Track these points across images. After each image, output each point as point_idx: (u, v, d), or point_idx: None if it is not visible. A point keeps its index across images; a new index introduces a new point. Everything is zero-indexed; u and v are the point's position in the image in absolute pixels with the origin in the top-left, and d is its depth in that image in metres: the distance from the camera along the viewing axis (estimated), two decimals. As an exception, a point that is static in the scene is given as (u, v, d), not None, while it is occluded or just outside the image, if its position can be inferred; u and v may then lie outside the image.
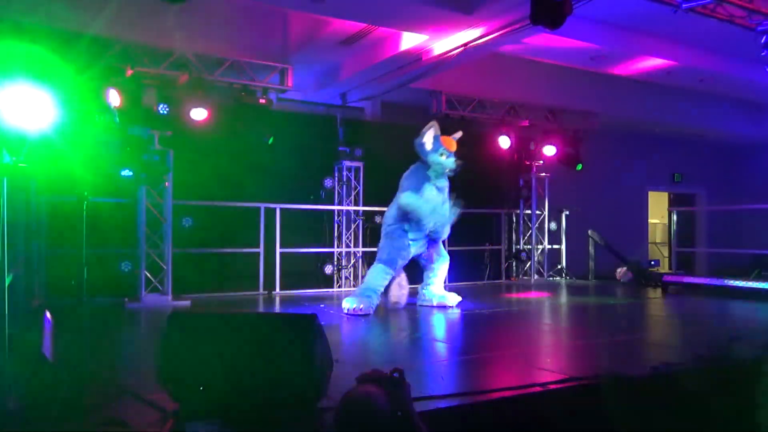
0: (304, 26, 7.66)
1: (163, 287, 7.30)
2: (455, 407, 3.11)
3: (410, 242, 6.70)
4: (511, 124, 9.78)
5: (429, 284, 7.02)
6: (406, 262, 6.80)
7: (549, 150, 9.99)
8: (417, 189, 6.60)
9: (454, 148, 6.69)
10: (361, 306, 6.26)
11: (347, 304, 6.31)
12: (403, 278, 6.96)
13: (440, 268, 7.02)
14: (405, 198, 6.59)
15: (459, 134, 6.95)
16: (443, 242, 7.33)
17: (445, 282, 7.39)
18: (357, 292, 6.58)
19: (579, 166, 10.13)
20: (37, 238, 6.86)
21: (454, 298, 6.93)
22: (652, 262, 12.36)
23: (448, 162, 6.62)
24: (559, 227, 10.87)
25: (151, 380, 2.99)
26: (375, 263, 6.79)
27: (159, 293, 7.26)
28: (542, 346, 5.12)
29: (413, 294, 7.21)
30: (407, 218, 6.64)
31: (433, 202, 6.66)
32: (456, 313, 6.68)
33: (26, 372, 3.17)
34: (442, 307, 6.85)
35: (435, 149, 6.60)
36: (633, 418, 3.58)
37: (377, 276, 6.57)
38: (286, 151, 8.64)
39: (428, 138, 6.60)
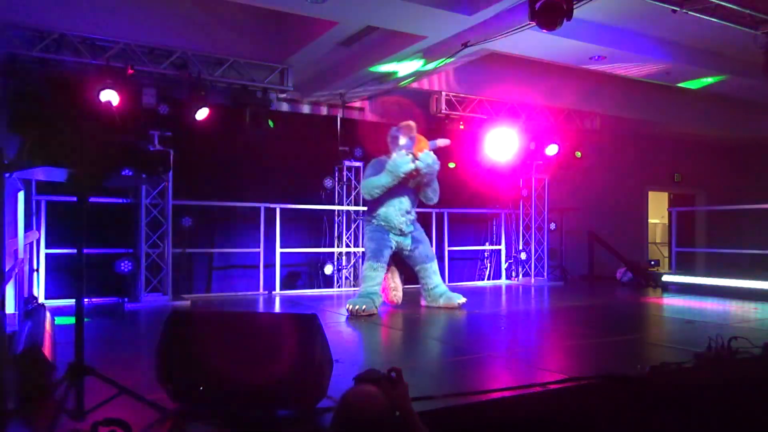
0: (303, 26, 7.66)
1: (163, 287, 7.30)
2: (455, 407, 3.10)
3: (389, 235, 6.77)
4: (508, 124, 9.77)
5: (430, 285, 7.00)
6: (392, 251, 6.82)
7: (549, 150, 9.98)
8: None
9: (422, 151, 6.62)
10: (364, 307, 6.28)
11: (351, 306, 6.33)
12: (396, 278, 6.99)
13: (431, 268, 7.02)
14: (364, 183, 6.77)
15: (443, 142, 6.96)
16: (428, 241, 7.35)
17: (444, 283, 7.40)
18: (358, 294, 6.62)
19: (578, 154, 10.07)
20: (37, 238, 6.87)
21: (458, 298, 6.92)
22: (652, 262, 12.36)
23: (413, 160, 6.58)
24: (559, 227, 10.86)
25: (151, 380, 2.99)
26: (364, 263, 6.88)
27: (159, 293, 7.26)
28: (543, 346, 5.12)
29: (417, 292, 7.22)
30: (376, 215, 6.76)
31: (396, 199, 6.73)
32: (460, 313, 6.67)
33: (25, 371, 3.17)
34: (448, 307, 6.84)
35: (408, 147, 6.59)
36: (633, 418, 3.58)
37: (369, 275, 6.64)
38: (286, 151, 8.66)
39: (403, 136, 6.61)
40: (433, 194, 6.95)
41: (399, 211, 6.74)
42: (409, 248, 6.91)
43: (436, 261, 7.12)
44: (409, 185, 6.73)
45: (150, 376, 3.00)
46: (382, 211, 6.74)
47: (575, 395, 3.49)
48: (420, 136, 6.69)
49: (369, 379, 2.19)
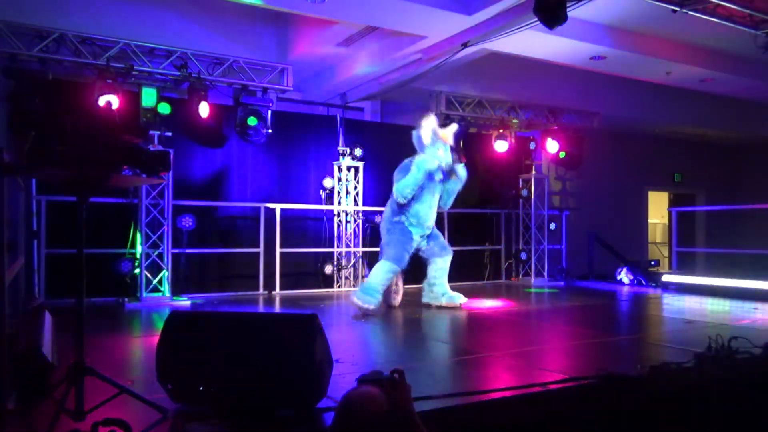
0: (303, 26, 7.67)
1: (163, 287, 7.30)
2: (455, 407, 3.10)
3: (413, 237, 6.67)
4: (510, 124, 9.78)
5: (434, 282, 6.94)
6: (410, 256, 6.74)
7: (550, 149, 9.98)
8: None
9: (450, 141, 6.74)
10: (367, 305, 6.22)
11: (361, 303, 6.24)
12: (399, 281, 6.95)
13: (444, 262, 6.94)
14: (396, 188, 6.56)
15: (455, 126, 6.96)
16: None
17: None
18: (361, 289, 6.47)
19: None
20: (37, 238, 6.87)
21: (460, 298, 6.89)
22: (652, 262, 12.37)
23: (445, 157, 6.66)
24: (559, 227, 10.87)
25: (151, 380, 2.99)
26: (381, 260, 6.67)
27: (159, 293, 7.26)
28: (543, 346, 5.12)
29: (417, 292, 7.21)
30: (406, 211, 6.64)
31: (429, 194, 6.70)
32: (460, 313, 6.66)
33: (25, 371, 3.17)
34: (448, 307, 6.81)
35: (433, 143, 6.60)
36: (633, 418, 3.58)
37: (382, 274, 6.47)
38: (286, 152, 8.66)
39: (426, 132, 6.61)
40: (450, 201, 7.00)
41: (431, 208, 6.72)
42: (426, 245, 6.86)
43: (451, 255, 7.03)
44: (436, 179, 6.70)
45: (150, 376, 3.00)
46: (415, 207, 6.62)
47: (575, 395, 3.49)
48: (439, 129, 6.76)
49: (372, 380, 2.19)
